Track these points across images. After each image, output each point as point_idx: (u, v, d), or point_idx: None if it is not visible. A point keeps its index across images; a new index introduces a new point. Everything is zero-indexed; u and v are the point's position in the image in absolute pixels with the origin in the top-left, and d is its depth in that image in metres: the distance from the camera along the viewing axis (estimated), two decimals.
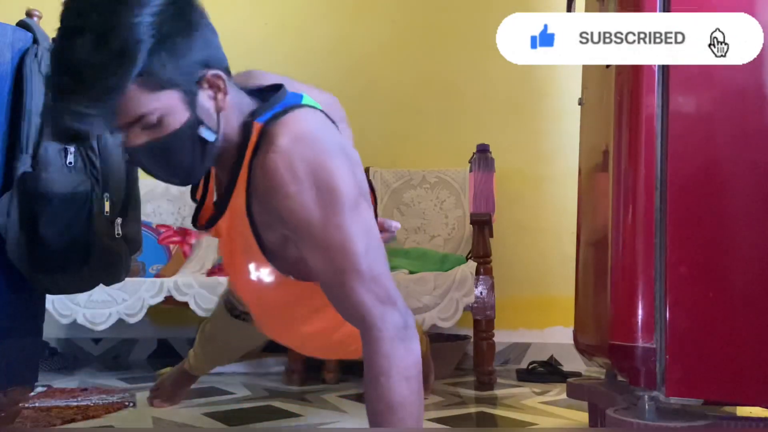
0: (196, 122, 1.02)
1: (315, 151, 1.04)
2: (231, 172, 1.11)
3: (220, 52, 1.07)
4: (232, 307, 1.64)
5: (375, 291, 1.03)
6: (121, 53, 0.93)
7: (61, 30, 0.98)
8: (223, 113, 1.07)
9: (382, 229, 1.32)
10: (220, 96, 1.05)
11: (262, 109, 1.10)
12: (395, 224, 1.35)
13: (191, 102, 1.01)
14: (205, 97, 1.04)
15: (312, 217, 1.03)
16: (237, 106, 1.10)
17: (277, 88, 1.16)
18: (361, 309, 1.03)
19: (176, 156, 1.03)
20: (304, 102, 1.14)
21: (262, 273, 1.18)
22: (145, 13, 0.94)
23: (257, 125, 1.08)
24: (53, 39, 1.02)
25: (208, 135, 1.04)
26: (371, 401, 1.01)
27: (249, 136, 1.07)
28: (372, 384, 1.00)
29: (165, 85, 0.97)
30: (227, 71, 1.08)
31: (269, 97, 1.13)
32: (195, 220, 1.24)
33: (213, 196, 1.24)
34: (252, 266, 1.18)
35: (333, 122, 1.18)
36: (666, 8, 1.26)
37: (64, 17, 0.98)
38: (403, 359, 1.00)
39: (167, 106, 0.99)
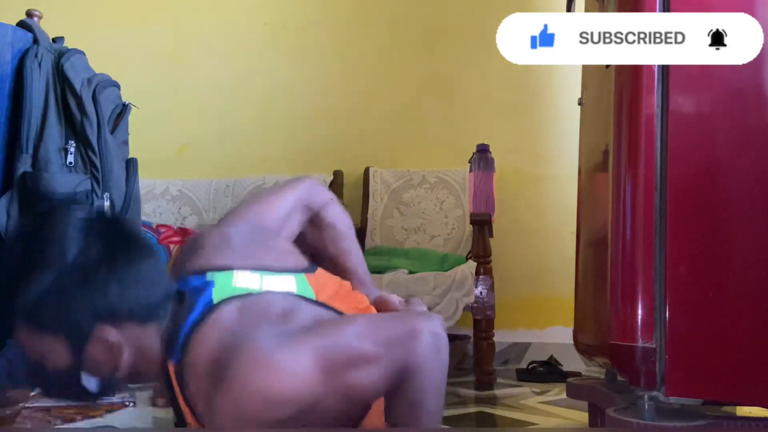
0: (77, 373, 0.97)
1: (238, 368, 0.88)
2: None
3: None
4: None
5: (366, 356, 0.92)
6: None
7: None
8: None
9: (387, 308, 1.14)
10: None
11: (171, 346, 0.97)
12: (421, 308, 1.14)
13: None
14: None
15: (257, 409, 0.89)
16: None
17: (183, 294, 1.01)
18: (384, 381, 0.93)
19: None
20: (213, 299, 0.97)
21: None
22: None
23: (170, 366, 0.98)
24: None
25: (90, 385, 0.98)
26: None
27: (168, 375, 0.98)
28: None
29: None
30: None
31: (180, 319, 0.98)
32: None
33: None
34: None
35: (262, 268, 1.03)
36: (666, 8, 1.26)
37: None
38: (438, 372, 0.96)
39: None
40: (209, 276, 0.99)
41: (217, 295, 0.96)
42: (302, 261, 1.10)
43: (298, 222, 1.19)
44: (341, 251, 1.20)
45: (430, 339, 0.94)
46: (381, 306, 1.12)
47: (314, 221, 1.21)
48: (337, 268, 1.18)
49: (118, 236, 0.99)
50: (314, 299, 1.01)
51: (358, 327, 0.95)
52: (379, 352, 0.91)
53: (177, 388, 0.97)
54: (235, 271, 0.99)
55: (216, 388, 0.88)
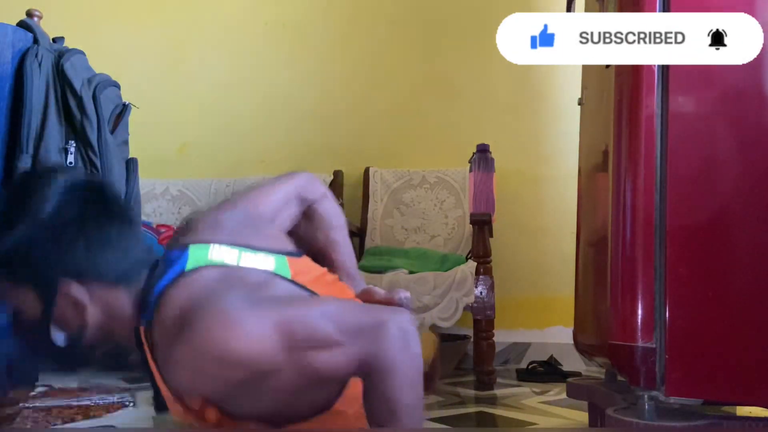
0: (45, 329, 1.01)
1: (204, 322, 0.91)
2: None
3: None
4: None
5: (330, 341, 0.93)
6: None
7: None
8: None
9: (392, 303, 1.14)
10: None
11: (142, 312, 1.01)
12: (404, 294, 1.14)
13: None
14: None
15: (213, 375, 0.92)
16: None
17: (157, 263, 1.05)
18: (344, 368, 0.93)
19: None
20: (187, 267, 1.00)
21: None
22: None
23: (142, 331, 1.01)
24: None
25: (58, 339, 1.02)
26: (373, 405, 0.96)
27: (140, 340, 1.02)
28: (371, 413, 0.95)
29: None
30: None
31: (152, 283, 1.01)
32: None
33: None
34: None
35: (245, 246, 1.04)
36: (666, 8, 1.26)
37: None
38: (408, 365, 0.95)
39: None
40: (189, 249, 1.01)
41: (190, 263, 0.99)
42: (289, 246, 1.11)
43: (292, 214, 1.20)
44: (330, 243, 1.21)
45: (396, 333, 0.94)
46: (365, 297, 1.13)
47: (307, 213, 1.22)
48: (326, 260, 1.19)
49: (95, 200, 1.03)
50: (291, 279, 1.02)
51: (327, 309, 0.96)
52: (341, 339, 0.92)
53: (148, 352, 1.00)
54: (212, 245, 1.01)
55: (177, 339, 0.91)
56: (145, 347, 1.01)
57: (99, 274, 1.01)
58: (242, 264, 1.01)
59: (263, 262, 1.02)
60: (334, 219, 1.24)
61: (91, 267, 1.01)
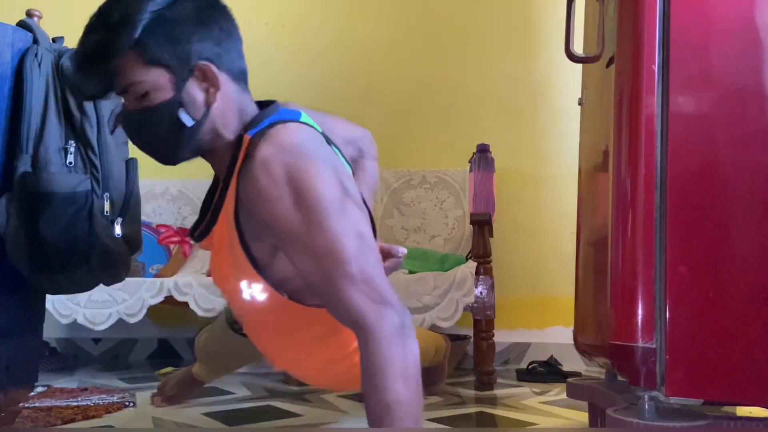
0: (177, 104, 1.09)
1: (295, 157, 1.05)
2: (224, 183, 1.14)
3: (231, 56, 1.15)
4: (232, 320, 1.60)
5: (368, 293, 1.03)
6: (120, 22, 1.05)
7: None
8: (217, 109, 1.12)
9: (388, 254, 1.31)
10: (212, 90, 1.11)
11: (255, 122, 1.13)
12: (401, 249, 1.33)
13: (178, 85, 1.09)
14: (194, 86, 1.11)
15: (295, 222, 1.03)
16: (239, 112, 1.16)
17: (270, 103, 1.21)
18: (354, 311, 1.03)
19: (153, 130, 1.11)
20: (301, 120, 1.16)
21: (254, 290, 1.17)
22: (156, 2, 1.07)
23: (247, 138, 1.10)
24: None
25: (186, 119, 1.10)
26: (369, 401, 1.01)
27: (240, 148, 1.10)
28: (369, 384, 1.00)
29: (157, 61, 1.07)
30: (237, 76, 1.16)
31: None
32: (193, 231, 1.25)
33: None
34: (243, 282, 1.17)
35: (333, 144, 1.21)
36: (666, 8, 1.26)
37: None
38: (400, 359, 1.00)
39: (155, 82, 1.08)
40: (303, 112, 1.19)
41: (304, 118, 1.17)
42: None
43: (347, 152, 1.34)
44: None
45: (398, 326, 1.02)
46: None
47: (357, 162, 1.38)
48: None
49: (221, 7, 1.15)
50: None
51: (374, 258, 1.08)
52: (362, 288, 1.02)
53: (237, 170, 1.09)
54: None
55: (277, 164, 1.04)
56: (239, 160, 1.09)
57: (230, 63, 1.14)
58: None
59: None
60: (372, 180, 1.40)
61: (224, 54, 1.13)
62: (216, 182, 1.26)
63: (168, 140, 1.12)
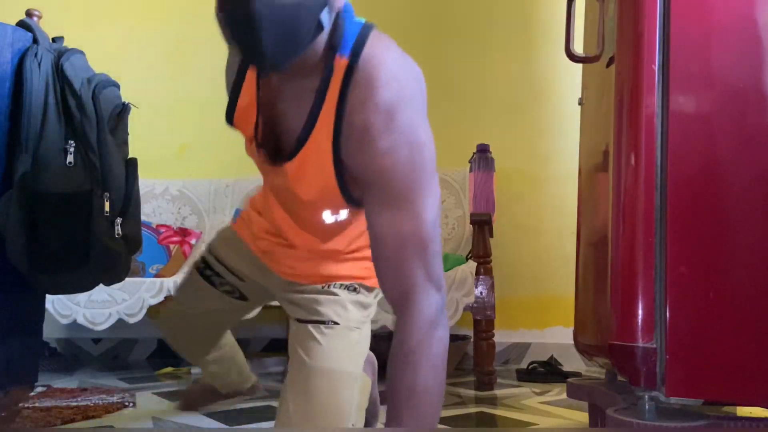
0: (322, 3, 0.99)
1: (413, 109, 1.03)
2: (310, 101, 1.06)
3: None
4: (206, 266, 1.48)
5: (429, 268, 1.00)
6: None
7: None
8: (336, 13, 1.06)
9: None
10: None
11: (338, 38, 1.05)
12: None
13: None
14: None
15: (398, 174, 1.01)
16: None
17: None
18: (410, 282, 0.99)
19: (289, 24, 0.96)
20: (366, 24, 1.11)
21: (338, 212, 1.17)
22: None
23: (340, 61, 1.04)
24: None
25: (325, 21, 1.01)
26: (394, 380, 0.98)
27: (331, 68, 1.04)
28: (399, 363, 0.97)
29: None
30: None
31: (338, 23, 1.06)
32: (231, 119, 1.25)
33: (250, 103, 1.19)
34: (324, 203, 1.15)
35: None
36: (666, 8, 1.26)
37: None
38: (435, 345, 0.98)
39: None
40: None
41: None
42: None
43: None
44: None
45: (440, 311, 0.99)
46: None
47: None
48: None
49: None
50: None
51: (440, 236, 1.07)
52: (427, 262, 1.01)
53: (338, 86, 1.03)
54: None
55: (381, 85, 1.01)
56: (336, 81, 1.03)
57: None
58: None
59: None
60: None
61: None
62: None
63: (297, 41, 0.97)
